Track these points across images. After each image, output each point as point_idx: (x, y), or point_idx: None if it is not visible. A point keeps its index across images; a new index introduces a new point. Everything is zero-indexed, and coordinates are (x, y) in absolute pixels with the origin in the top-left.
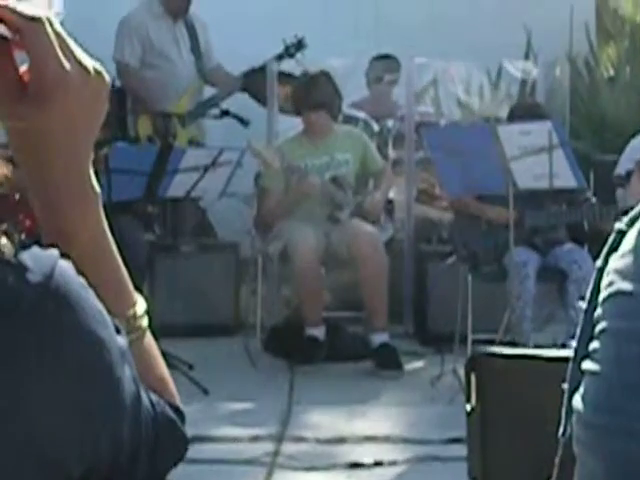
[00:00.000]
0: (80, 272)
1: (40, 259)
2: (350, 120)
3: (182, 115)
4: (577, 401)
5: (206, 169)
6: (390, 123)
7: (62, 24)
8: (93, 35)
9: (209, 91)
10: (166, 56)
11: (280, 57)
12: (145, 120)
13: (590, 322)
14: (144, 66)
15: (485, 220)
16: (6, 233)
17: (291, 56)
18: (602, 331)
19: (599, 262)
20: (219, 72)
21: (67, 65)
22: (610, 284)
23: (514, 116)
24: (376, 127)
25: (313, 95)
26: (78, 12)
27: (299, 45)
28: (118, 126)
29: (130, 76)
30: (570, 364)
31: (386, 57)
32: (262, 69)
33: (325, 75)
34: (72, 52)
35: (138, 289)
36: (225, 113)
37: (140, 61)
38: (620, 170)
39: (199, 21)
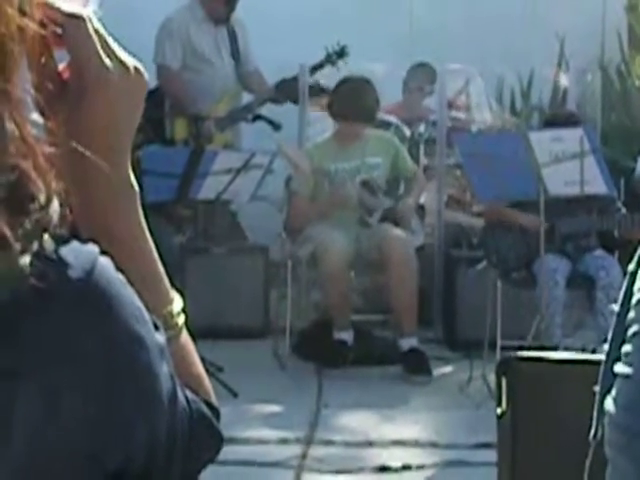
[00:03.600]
0: (119, 269)
1: (80, 255)
2: (382, 125)
3: (219, 119)
4: (609, 403)
5: (238, 172)
6: (422, 128)
7: (100, 22)
8: (129, 37)
9: (247, 96)
10: (207, 60)
11: (321, 65)
12: (182, 123)
13: (622, 325)
14: (185, 69)
15: (517, 226)
16: (46, 229)
17: (333, 64)
18: (635, 334)
19: (632, 266)
20: (255, 77)
21: (108, 63)
22: None
23: (548, 125)
24: (408, 132)
25: (356, 107)
26: (115, 13)
27: (341, 53)
28: (154, 129)
29: (171, 79)
30: (602, 367)
31: (423, 65)
32: (295, 78)
33: (368, 84)
34: (112, 50)
35: (173, 287)
36: (257, 117)
37: (182, 64)
38: None
39: (239, 24)
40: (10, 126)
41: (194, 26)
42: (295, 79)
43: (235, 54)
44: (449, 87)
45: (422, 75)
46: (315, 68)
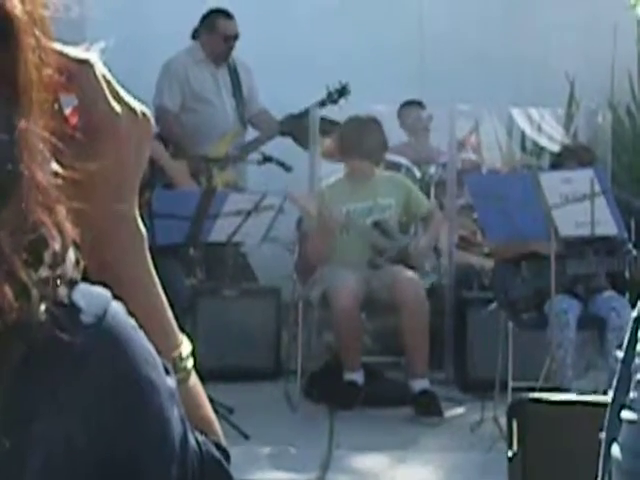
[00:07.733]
0: (130, 313)
1: (92, 300)
2: (393, 166)
3: (219, 159)
4: (616, 449)
5: (248, 214)
6: (432, 170)
7: (106, 66)
8: (134, 83)
9: (250, 135)
10: (206, 100)
11: (323, 103)
12: (182, 165)
13: (628, 372)
14: (184, 110)
15: (526, 267)
16: (61, 276)
17: (334, 102)
18: None
19: (635, 312)
20: (263, 116)
21: (117, 107)
22: None
23: (563, 158)
24: (418, 174)
25: (362, 143)
26: (120, 60)
27: (343, 91)
28: (153, 172)
29: (168, 120)
30: (607, 413)
31: (412, 103)
32: (303, 115)
33: (375, 122)
34: (119, 94)
35: (182, 330)
36: (267, 159)
37: (180, 106)
38: None
39: (243, 66)
40: (29, 175)
41: (194, 68)
42: (304, 116)
43: (237, 94)
44: (459, 128)
45: (418, 113)
46: (316, 106)
